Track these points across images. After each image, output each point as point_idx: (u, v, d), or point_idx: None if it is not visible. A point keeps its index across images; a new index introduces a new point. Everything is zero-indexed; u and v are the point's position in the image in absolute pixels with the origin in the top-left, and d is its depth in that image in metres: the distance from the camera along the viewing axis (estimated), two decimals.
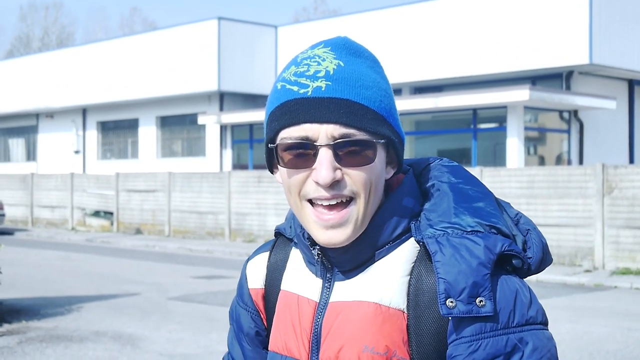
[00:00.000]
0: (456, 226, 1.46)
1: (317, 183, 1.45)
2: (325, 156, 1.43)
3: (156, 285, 14.54)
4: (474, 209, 1.49)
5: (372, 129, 1.45)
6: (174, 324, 10.75)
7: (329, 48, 1.50)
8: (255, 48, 29.15)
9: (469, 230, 1.45)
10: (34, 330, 10.27)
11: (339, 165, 1.44)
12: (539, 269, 1.52)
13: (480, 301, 1.40)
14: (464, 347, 1.41)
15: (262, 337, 1.74)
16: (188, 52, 29.32)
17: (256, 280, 1.73)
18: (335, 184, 1.45)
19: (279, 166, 1.52)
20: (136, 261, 19.08)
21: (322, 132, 1.43)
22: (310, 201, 1.48)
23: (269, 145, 1.51)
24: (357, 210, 1.46)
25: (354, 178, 1.45)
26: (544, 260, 1.52)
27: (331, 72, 1.45)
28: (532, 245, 1.51)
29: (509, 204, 1.61)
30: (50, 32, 76.35)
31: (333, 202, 1.46)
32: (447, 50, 24.46)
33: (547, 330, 1.46)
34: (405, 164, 1.63)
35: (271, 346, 1.66)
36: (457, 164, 1.62)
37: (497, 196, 1.59)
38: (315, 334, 1.56)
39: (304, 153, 1.46)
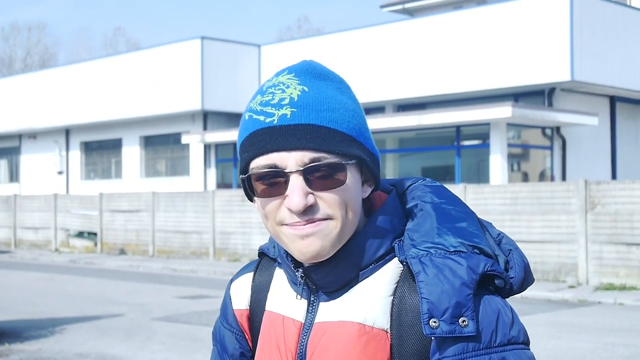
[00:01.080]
0: (439, 246, 1.46)
1: (290, 210, 1.45)
2: (295, 183, 1.44)
3: (140, 306, 14.47)
4: (457, 229, 1.50)
5: (341, 150, 1.46)
6: (158, 345, 10.69)
7: (293, 74, 1.50)
8: (239, 67, 29.18)
9: (452, 250, 1.45)
10: (16, 353, 10.19)
11: (310, 190, 1.45)
12: (521, 289, 1.53)
13: (463, 321, 1.40)
14: None
15: (247, 358, 1.73)
16: (171, 72, 29.32)
17: (241, 301, 1.73)
18: (308, 209, 1.45)
19: (254, 197, 1.53)
20: (120, 282, 18.98)
21: (292, 160, 1.44)
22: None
23: (241, 176, 1.53)
24: (333, 226, 1.47)
25: (327, 201, 1.45)
26: (526, 280, 1.53)
27: (295, 99, 1.46)
28: (515, 265, 1.52)
29: (491, 224, 1.62)
30: (33, 52, 76.18)
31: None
32: (430, 68, 24.57)
33: (529, 350, 1.47)
34: (388, 184, 1.63)
35: None
36: (439, 184, 1.63)
37: (480, 213, 1.61)
38: (300, 354, 1.56)
39: (275, 182, 1.46)
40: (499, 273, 1.46)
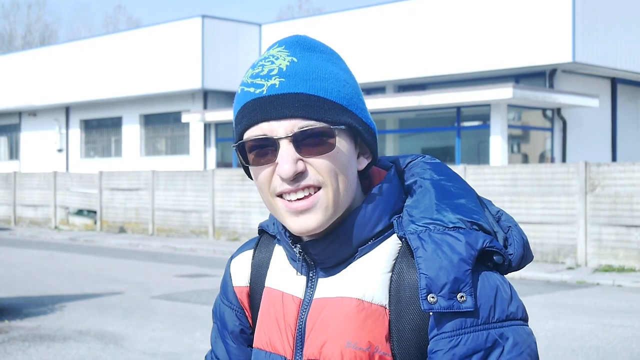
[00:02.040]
0: (438, 222, 1.47)
1: (281, 177, 1.47)
2: (285, 150, 1.46)
3: (139, 284, 14.50)
4: (456, 206, 1.50)
5: (330, 118, 1.47)
6: (157, 323, 10.72)
7: (283, 47, 1.52)
8: (239, 46, 29.10)
9: (450, 226, 1.46)
10: (16, 330, 10.22)
11: (300, 157, 1.46)
12: (519, 266, 1.53)
13: (462, 297, 1.40)
14: (444, 342, 1.42)
15: (246, 334, 1.74)
16: (172, 50, 29.25)
17: (241, 278, 1.74)
18: (299, 176, 1.46)
19: (248, 166, 1.54)
20: (119, 260, 19.02)
21: (281, 128, 1.46)
22: (281, 195, 1.49)
23: (233, 145, 1.55)
24: (325, 197, 1.47)
25: (318, 167, 1.47)
26: (525, 257, 1.53)
27: (284, 69, 1.48)
28: (513, 242, 1.52)
29: (490, 201, 1.62)
30: (33, 30, 75.98)
31: (301, 196, 1.48)
32: (431, 48, 24.50)
33: (528, 326, 1.47)
34: (388, 161, 1.64)
35: (256, 343, 1.66)
36: (439, 161, 1.63)
37: (480, 194, 1.60)
38: (300, 330, 1.57)
39: (266, 151, 1.48)
40: (498, 249, 1.46)
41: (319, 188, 1.47)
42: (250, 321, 1.73)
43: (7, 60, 38.27)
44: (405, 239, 1.49)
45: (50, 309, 11.78)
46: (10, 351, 9.05)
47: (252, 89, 1.49)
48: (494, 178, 18.01)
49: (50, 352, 8.99)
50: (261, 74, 1.49)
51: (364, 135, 1.52)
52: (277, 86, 1.46)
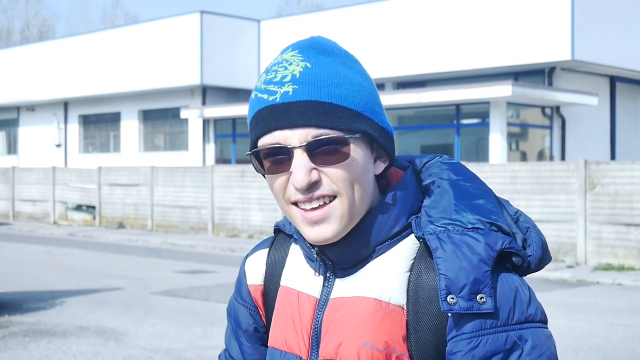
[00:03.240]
0: (457, 223, 1.46)
1: (294, 187, 1.46)
2: (299, 159, 1.44)
3: (139, 280, 14.50)
4: (475, 206, 1.49)
5: (344, 126, 1.45)
6: (158, 319, 10.72)
7: (297, 51, 1.50)
8: (238, 42, 29.07)
9: (469, 227, 1.45)
10: (16, 325, 10.22)
11: (314, 166, 1.45)
12: (538, 267, 1.53)
13: (481, 298, 1.40)
14: (464, 343, 1.41)
15: (260, 333, 1.74)
16: (170, 46, 29.21)
17: (255, 276, 1.73)
18: (313, 186, 1.45)
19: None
20: (119, 255, 19.01)
21: (295, 137, 1.44)
22: (296, 203, 1.49)
23: (246, 153, 1.54)
24: (340, 206, 1.46)
25: (332, 176, 1.45)
26: (544, 258, 1.53)
27: (297, 76, 1.46)
28: (532, 243, 1.51)
29: (508, 201, 1.61)
30: (31, 24, 75.83)
31: (315, 205, 1.46)
32: (429, 45, 24.49)
33: (547, 328, 1.47)
34: (405, 161, 1.63)
35: (271, 342, 1.65)
36: (456, 161, 1.62)
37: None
38: (316, 330, 1.56)
39: (280, 159, 1.47)
40: (517, 250, 1.45)
41: (334, 197, 1.46)
42: (264, 320, 1.73)
43: (5, 55, 38.21)
44: (424, 239, 1.48)
45: (50, 304, 11.78)
46: (11, 346, 9.05)
47: (265, 96, 1.47)
48: (494, 176, 18.01)
49: (50, 347, 8.99)
50: (274, 80, 1.47)
51: (380, 140, 1.51)
52: (290, 94, 1.44)
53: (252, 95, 1.52)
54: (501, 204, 1.57)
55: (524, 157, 23.69)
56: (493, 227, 1.46)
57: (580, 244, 16.64)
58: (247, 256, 1.78)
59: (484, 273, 1.40)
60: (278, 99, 1.45)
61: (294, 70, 1.46)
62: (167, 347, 9.12)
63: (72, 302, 11.96)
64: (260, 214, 22.37)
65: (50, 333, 9.75)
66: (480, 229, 1.45)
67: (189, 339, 9.50)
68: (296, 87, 1.44)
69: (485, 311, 1.40)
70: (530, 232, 1.53)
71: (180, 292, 13.06)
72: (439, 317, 1.45)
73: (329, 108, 1.44)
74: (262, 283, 1.72)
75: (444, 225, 1.46)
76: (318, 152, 1.44)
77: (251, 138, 1.51)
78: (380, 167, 1.54)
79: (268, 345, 1.67)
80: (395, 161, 1.60)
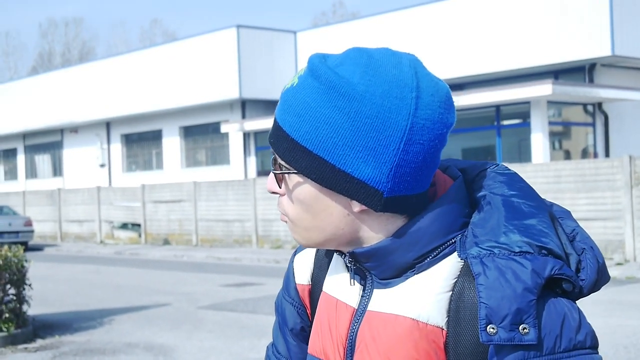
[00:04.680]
0: (504, 246, 1.37)
1: None
2: (273, 167, 1.49)
3: (186, 295, 14.57)
4: (525, 227, 1.40)
5: (286, 158, 1.42)
6: (205, 333, 10.76)
7: (306, 63, 1.47)
8: (275, 54, 29.19)
9: (517, 251, 1.36)
10: (67, 345, 10.32)
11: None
12: (592, 291, 1.44)
13: (524, 329, 1.32)
14: None
15: (306, 332, 1.70)
16: (208, 61, 29.42)
17: (303, 275, 1.69)
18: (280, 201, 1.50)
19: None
20: (165, 272, 19.14)
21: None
22: None
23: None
24: (290, 226, 1.49)
25: (284, 196, 1.49)
26: (599, 281, 1.43)
27: (284, 91, 1.45)
28: (587, 266, 1.41)
29: (569, 213, 1.51)
30: (72, 47, 76.93)
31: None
32: (467, 47, 24.38)
33: (597, 354, 1.39)
34: (458, 169, 1.54)
35: (310, 349, 1.62)
36: (513, 171, 1.53)
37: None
38: (351, 341, 1.51)
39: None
40: (568, 277, 1.36)
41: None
42: (310, 319, 1.69)
43: (47, 78, 38.77)
44: (467, 261, 1.41)
45: (99, 322, 11.88)
46: None
47: None
48: (537, 176, 17.85)
49: None
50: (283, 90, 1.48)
51: (324, 182, 1.40)
52: (277, 107, 1.46)
53: None
54: (556, 219, 1.47)
55: (567, 155, 23.44)
56: (543, 251, 1.37)
57: (628, 240, 16.41)
58: (295, 252, 1.74)
59: (528, 302, 1.33)
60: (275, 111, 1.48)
61: (287, 85, 1.45)
62: None
63: (121, 320, 12.06)
64: None
65: (100, 351, 9.83)
66: (529, 252, 1.36)
67: (237, 352, 9.51)
68: (280, 103, 1.46)
69: (527, 343, 1.33)
70: (585, 254, 1.43)
71: (226, 306, 13.10)
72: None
73: (281, 135, 1.42)
74: (310, 283, 1.68)
75: (489, 248, 1.38)
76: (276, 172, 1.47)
77: None
78: (357, 206, 1.42)
79: (308, 351, 1.64)
80: (446, 168, 1.52)
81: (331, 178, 1.39)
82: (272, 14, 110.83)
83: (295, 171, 1.41)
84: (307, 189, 1.42)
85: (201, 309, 12.85)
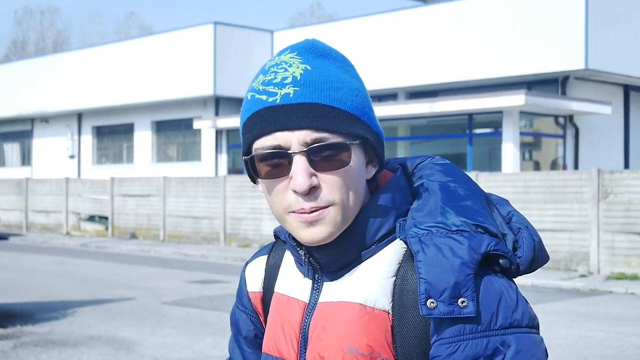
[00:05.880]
0: (441, 225, 1.43)
1: (294, 191, 1.43)
2: (299, 163, 1.42)
3: (151, 290, 14.51)
4: (461, 208, 1.46)
5: (345, 130, 1.43)
6: (169, 329, 10.72)
7: (295, 53, 1.48)
8: (251, 53, 29.14)
9: (454, 229, 1.41)
10: (28, 335, 10.23)
11: (314, 171, 1.43)
12: (530, 269, 1.48)
13: (463, 302, 1.36)
14: (443, 348, 1.38)
15: (261, 339, 1.72)
16: (184, 57, 29.31)
17: (255, 283, 1.72)
18: (312, 191, 1.43)
19: (258, 179, 1.51)
20: (131, 266, 19.04)
21: (295, 139, 1.42)
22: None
23: (244, 157, 1.50)
24: (334, 212, 1.44)
25: (330, 184, 1.43)
26: (536, 259, 1.48)
27: (298, 77, 1.44)
28: (523, 245, 1.47)
29: (506, 201, 1.57)
30: (46, 36, 76.32)
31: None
32: (442, 55, 24.48)
33: (536, 334, 1.42)
34: (397, 163, 1.61)
35: (264, 348, 1.65)
36: (449, 162, 1.59)
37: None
38: (304, 334, 1.55)
39: (279, 163, 1.44)
40: (504, 252, 1.41)
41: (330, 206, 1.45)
42: (264, 326, 1.72)
43: (20, 66, 38.44)
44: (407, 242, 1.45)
45: (61, 314, 11.79)
46: (22, 356, 9.06)
47: (264, 97, 1.45)
48: (506, 185, 17.96)
49: (62, 358, 9.00)
50: (274, 81, 1.45)
51: (375, 145, 1.50)
52: (291, 95, 1.42)
53: (248, 96, 1.48)
54: (492, 204, 1.53)
55: (537, 166, 23.61)
56: (479, 229, 1.42)
57: (593, 253, 16.56)
58: (247, 263, 1.77)
59: (465, 276, 1.37)
60: (279, 100, 1.43)
61: (294, 72, 1.44)
62: (178, 357, 9.11)
63: (84, 312, 11.98)
64: (272, 224, 22.35)
65: (62, 343, 9.76)
66: (466, 231, 1.41)
67: (200, 349, 9.49)
68: (297, 89, 1.43)
69: (466, 315, 1.36)
70: (522, 233, 1.49)
71: (191, 302, 13.06)
72: (424, 322, 1.43)
73: (330, 111, 1.43)
74: (261, 290, 1.71)
75: (427, 228, 1.43)
76: (318, 157, 1.42)
77: (246, 139, 1.48)
78: (371, 171, 1.52)
79: (262, 351, 1.67)
80: (386, 164, 1.58)
81: (376, 142, 1.50)
82: (250, 13, 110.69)
83: (358, 141, 1.46)
84: (356, 160, 1.47)
85: (166, 305, 12.80)
